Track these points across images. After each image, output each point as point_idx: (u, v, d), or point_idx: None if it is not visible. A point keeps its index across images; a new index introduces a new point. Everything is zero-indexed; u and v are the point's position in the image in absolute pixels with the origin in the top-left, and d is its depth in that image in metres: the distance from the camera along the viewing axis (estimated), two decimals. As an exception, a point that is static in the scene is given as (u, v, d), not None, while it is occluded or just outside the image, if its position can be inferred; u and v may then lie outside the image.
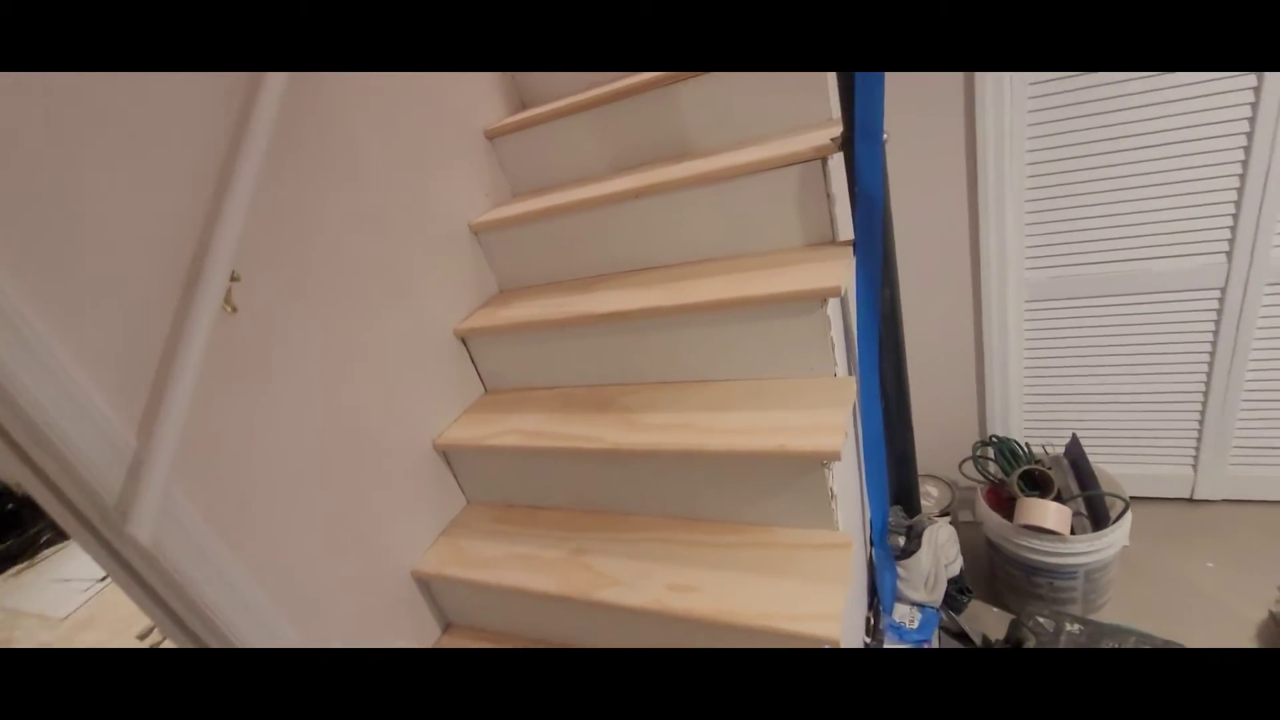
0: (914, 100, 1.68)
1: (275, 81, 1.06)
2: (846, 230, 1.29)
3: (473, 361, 1.58)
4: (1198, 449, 1.93)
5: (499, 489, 1.49)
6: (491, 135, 1.68)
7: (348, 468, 1.22)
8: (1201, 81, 1.49)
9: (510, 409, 1.48)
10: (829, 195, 1.25)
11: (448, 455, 1.49)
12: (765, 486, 1.15)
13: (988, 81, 1.60)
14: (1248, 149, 1.51)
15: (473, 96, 1.65)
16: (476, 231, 1.61)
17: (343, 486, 1.21)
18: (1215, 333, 1.75)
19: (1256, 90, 1.46)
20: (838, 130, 1.23)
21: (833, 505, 1.10)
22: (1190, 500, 2.00)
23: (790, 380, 1.23)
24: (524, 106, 1.85)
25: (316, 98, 1.22)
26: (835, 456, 1.02)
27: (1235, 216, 1.59)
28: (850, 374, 1.30)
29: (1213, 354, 1.78)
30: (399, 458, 1.34)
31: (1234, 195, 1.57)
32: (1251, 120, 1.48)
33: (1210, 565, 1.82)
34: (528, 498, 1.46)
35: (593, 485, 1.36)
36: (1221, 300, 1.69)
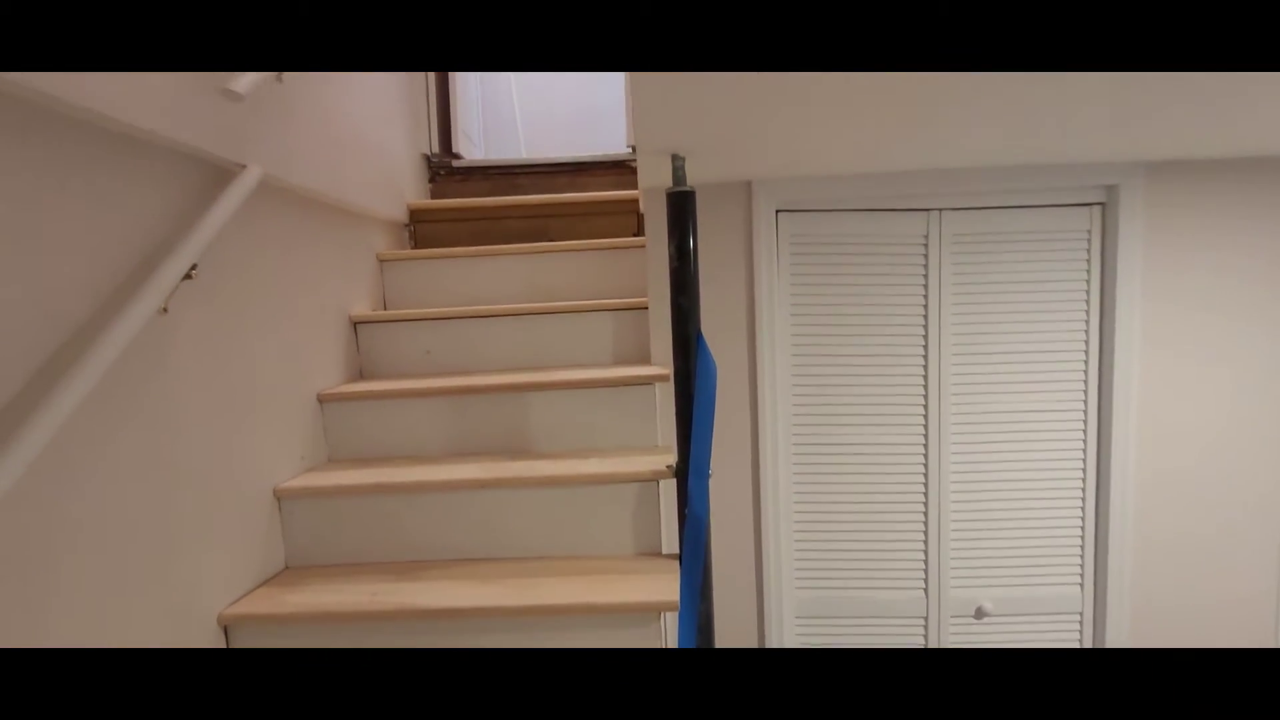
0: (721, 450, 2.06)
1: (129, 325, 0.99)
2: (670, 545, 1.44)
3: (230, 659, 1.27)
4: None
5: None
6: (325, 399, 1.64)
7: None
8: (892, 452, 2.11)
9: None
10: (660, 514, 1.42)
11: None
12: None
13: (766, 457, 2.06)
14: (925, 516, 2.10)
15: (316, 357, 1.64)
16: (281, 497, 1.45)
17: None
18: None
19: (925, 470, 2.10)
20: (668, 457, 1.47)
21: None
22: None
23: (623, 697, 1.21)
24: (362, 376, 1.87)
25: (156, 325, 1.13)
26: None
27: (924, 564, 2.12)
28: (673, 690, 1.33)
29: (925, 673, 2.15)
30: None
31: (921, 546, 2.12)
32: (925, 495, 2.09)
33: None
34: None
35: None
36: (925, 626, 2.13)
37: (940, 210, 1.76)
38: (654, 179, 1.60)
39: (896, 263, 1.78)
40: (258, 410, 1.39)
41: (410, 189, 2.36)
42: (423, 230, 2.30)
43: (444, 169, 2.50)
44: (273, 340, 1.45)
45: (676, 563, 1.37)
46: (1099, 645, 2.00)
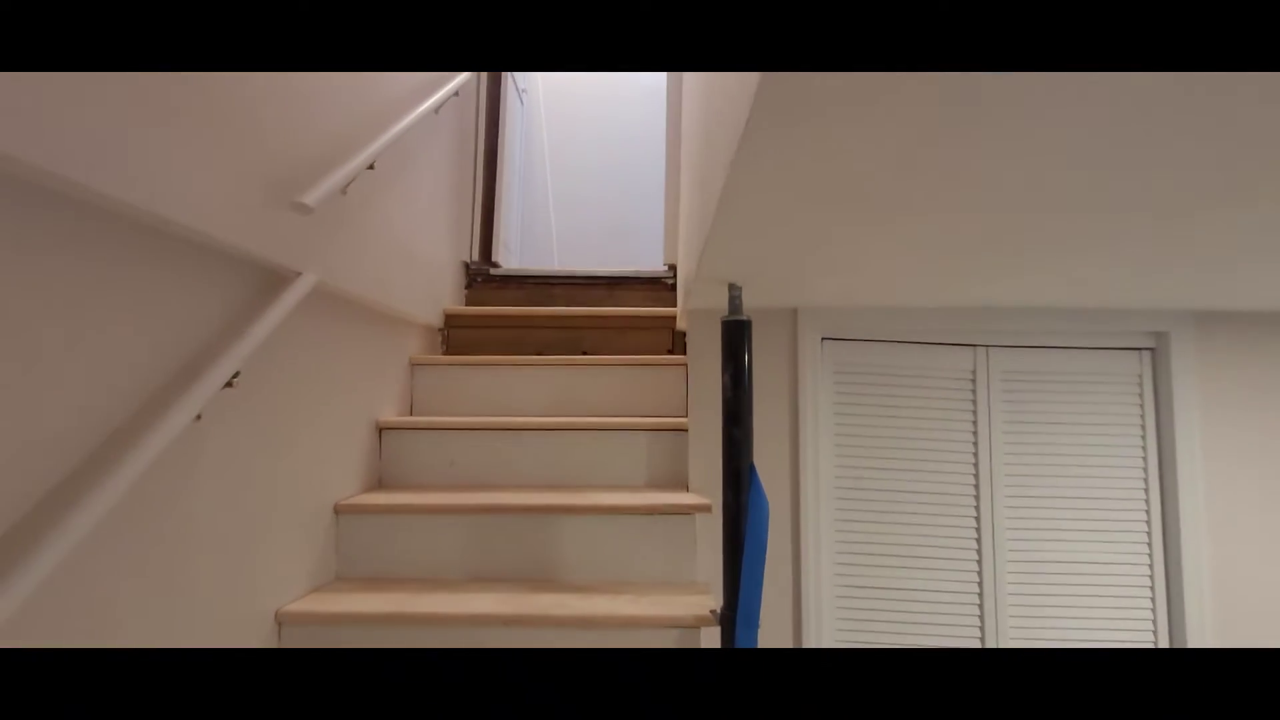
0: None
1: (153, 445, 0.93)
2: (710, 702, 1.28)
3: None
4: None
5: None
6: (342, 511, 1.54)
7: None
8: (943, 600, 1.94)
9: None
10: (701, 664, 1.28)
11: None
12: None
13: (809, 600, 1.93)
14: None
15: (338, 465, 1.56)
16: (283, 622, 1.32)
17: None
18: None
19: (980, 620, 1.90)
20: (708, 599, 1.35)
21: None
22: None
23: None
24: (381, 485, 1.78)
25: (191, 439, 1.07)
26: None
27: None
28: None
29: None
30: None
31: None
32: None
33: None
34: None
35: None
36: None
37: (988, 347, 1.74)
38: (703, 300, 1.59)
39: (944, 397, 1.73)
40: (273, 523, 1.29)
41: (448, 294, 2.38)
42: (456, 335, 2.29)
43: (481, 275, 2.53)
44: (299, 448, 1.38)
45: (718, 728, 1.21)
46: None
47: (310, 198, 1.20)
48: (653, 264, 2.80)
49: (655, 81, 3.64)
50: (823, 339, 1.71)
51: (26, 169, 0.75)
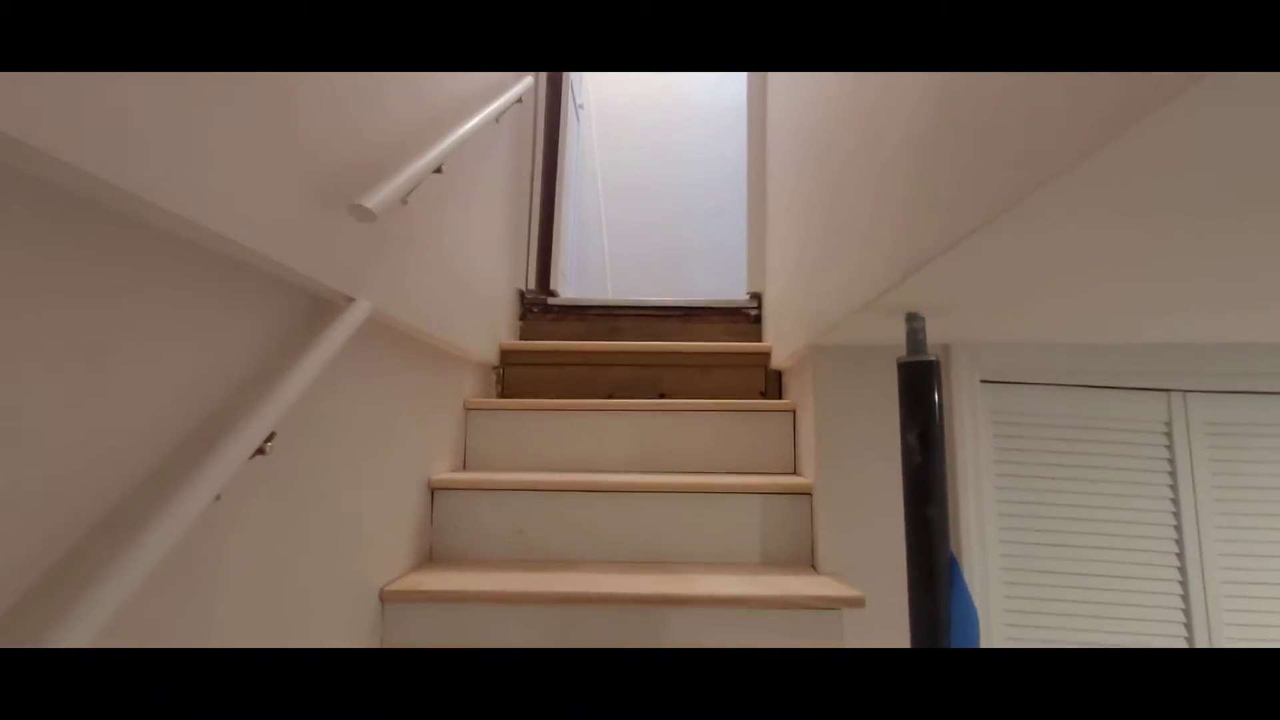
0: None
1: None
2: None
3: None
4: None
5: None
6: (389, 599, 1.23)
7: None
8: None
9: None
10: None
11: None
12: None
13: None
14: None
15: (386, 539, 1.25)
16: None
17: None
18: None
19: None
20: None
21: None
22: None
23: None
24: (432, 558, 1.46)
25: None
26: None
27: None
28: None
29: None
30: None
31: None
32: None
33: None
34: None
35: None
36: None
37: (1185, 392, 1.40)
38: (843, 334, 1.29)
39: (1130, 454, 1.39)
40: (308, 626, 0.98)
41: (503, 327, 2.10)
42: (512, 374, 1.99)
43: (537, 305, 2.25)
44: (340, 521, 1.08)
45: None
46: None
47: (372, 200, 0.92)
48: (716, 291, 2.50)
49: (710, 102, 3.42)
50: (981, 381, 1.39)
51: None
